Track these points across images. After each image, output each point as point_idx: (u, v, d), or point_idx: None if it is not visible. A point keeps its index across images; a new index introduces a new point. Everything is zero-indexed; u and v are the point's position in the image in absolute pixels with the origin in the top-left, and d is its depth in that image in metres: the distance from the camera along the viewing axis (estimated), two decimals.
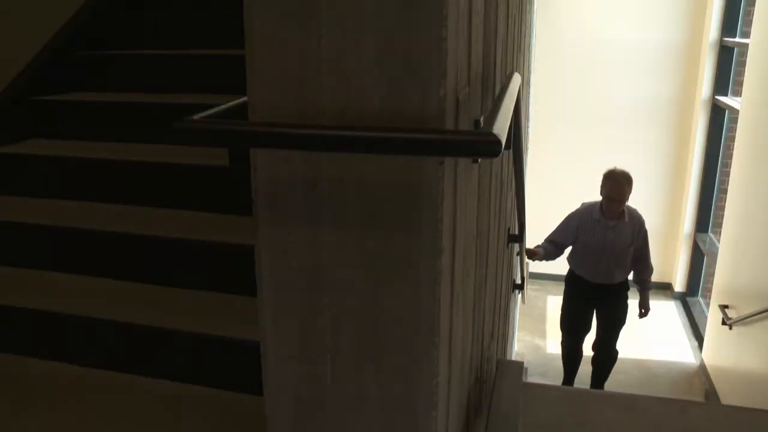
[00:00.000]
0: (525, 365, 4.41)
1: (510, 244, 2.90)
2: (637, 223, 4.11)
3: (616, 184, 3.94)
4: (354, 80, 0.77)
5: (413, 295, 0.82)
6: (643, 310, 4.37)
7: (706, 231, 6.54)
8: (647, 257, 4.25)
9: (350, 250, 0.83)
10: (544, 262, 4.36)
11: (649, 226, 4.22)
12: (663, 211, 6.71)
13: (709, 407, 3.26)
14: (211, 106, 0.85)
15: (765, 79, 4.51)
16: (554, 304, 6.34)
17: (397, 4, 0.74)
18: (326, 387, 0.88)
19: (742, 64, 5.46)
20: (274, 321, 0.88)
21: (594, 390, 4.47)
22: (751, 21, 5.05)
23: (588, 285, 4.25)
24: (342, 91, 0.78)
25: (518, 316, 5.94)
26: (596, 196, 4.11)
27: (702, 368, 5.42)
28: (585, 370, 4.67)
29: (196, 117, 0.80)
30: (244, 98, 0.84)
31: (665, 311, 6.47)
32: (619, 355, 4.54)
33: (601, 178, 4.03)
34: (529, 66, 5.09)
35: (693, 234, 6.63)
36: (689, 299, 6.68)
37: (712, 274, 5.60)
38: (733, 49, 5.98)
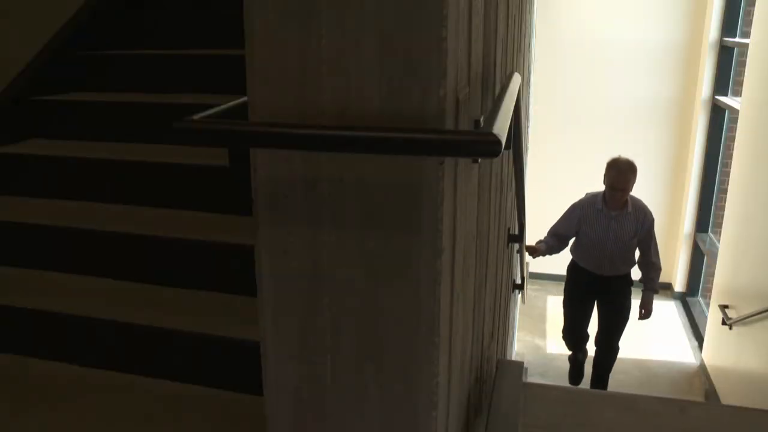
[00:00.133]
0: (525, 365, 4.40)
1: (510, 244, 2.90)
2: (641, 214, 3.98)
3: (620, 173, 3.81)
4: (354, 80, 0.77)
5: (413, 295, 0.82)
6: (643, 311, 4.21)
7: (706, 231, 6.54)
8: (652, 251, 4.08)
9: (350, 250, 0.83)
10: (545, 259, 4.30)
11: None
12: (663, 211, 6.70)
13: (709, 407, 3.26)
14: (211, 106, 0.85)
15: (765, 79, 4.51)
16: (554, 304, 6.34)
17: (397, 4, 0.74)
18: (326, 387, 0.88)
19: (742, 64, 5.46)
20: (274, 321, 0.88)
21: (594, 390, 4.45)
22: (751, 21, 5.05)
23: (589, 275, 4.14)
24: (342, 91, 0.78)
25: (518, 316, 5.94)
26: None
27: (702, 368, 5.42)
28: (586, 370, 4.66)
29: (196, 117, 0.80)
30: (244, 98, 0.84)
31: (665, 311, 6.47)
32: (620, 355, 4.49)
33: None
34: (529, 66, 5.09)
35: (693, 234, 6.63)
36: (689, 299, 6.68)
37: (712, 274, 5.60)
38: (733, 49, 5.98)
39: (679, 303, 6.74)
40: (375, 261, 0.82)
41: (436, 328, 0.83)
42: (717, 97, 6.11)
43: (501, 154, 0.71)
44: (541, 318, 6.38)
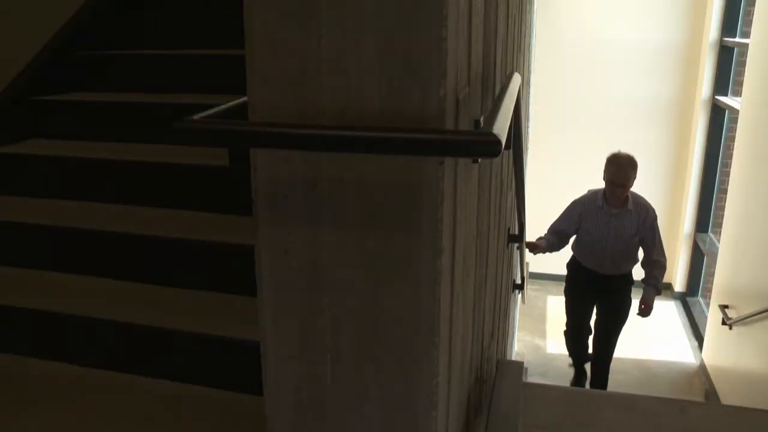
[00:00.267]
0: (525, 365, 4.39)
1: (510, 244, 2.90)
2: (642, 211, 3.87)
3: (620, 168, 3.72)
4: (354, 80, 0.77)
5: (413, 295, 0.82)
6: (643, 306, 3.99)
7: (706, 231, 6.54)
8: (656, 249, 3.94)
9: (350, 250, 0.83)
10: (545, 259, 4.26)
11: None
12: (663, 211, 6.67)
13: (709, 407, 3.26)
14: (211, 106, 0.85)
15: (765, 79, 4.51)
16: (554, 304, 6.34)
17: (397, 4, 0.74)
18: (326, 387, 0.88)
19: (742, 64, 5.46)
20: (274, 321, 0.88)
21: (594, 390, 4.45)
22: (751, 21, 5.05)
23: (590, 273, 4.07)
24: (342, 91, 0.78)
25: (518, 316, 5.94)
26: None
27: (702, 368, 5.42)
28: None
29: (196, 117, 0.80)
30: (244, 98, 0.84)
31: (665, 311, 6.47)
32: (620, 356, 4.46)
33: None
34: (529, 66, 5.09)
35: (693, 234, 6.63)
36: (689, 299, 6.68)
37: (712, 274, 5.60)
38: (733, 49, 5.98)
39: (679, 303, 6.74)
40: (375, 261, 0.82)
41: (436, 328, 0.83)
42: (717, 97, 6.11)
43: (501, 154, 0.71)
44: (541, 318, 6.38)
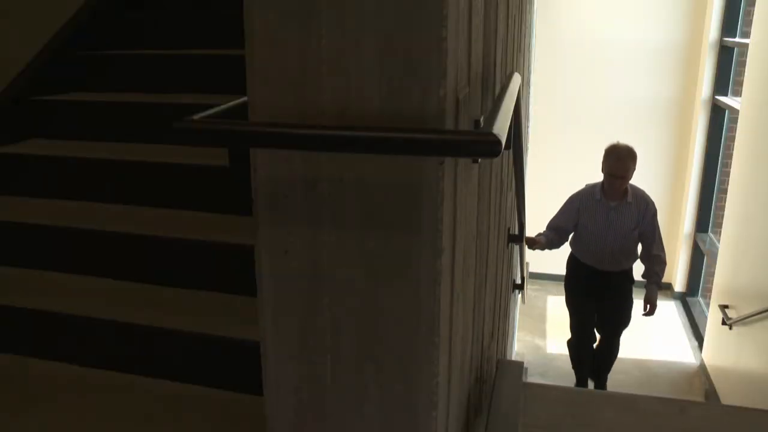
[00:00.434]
0: (525, 365, 4.38)
1: (510, 244, 2.89)
2: (642, 203, 3.79)
3: (619, 159, 3.64)
4: (354, 80, 0.77)
5: (413, 295, 0.82)
6: (649, 306, 3.94)
7: (706, 231, 6.54)
8: (655, 244, 3.85)
9: (350, 250, 0.83)
10: (545, 258, 4.22)
11: None
12: (663, 211, 6.65)
13: (709, 407, 3.26)
14: (211, 106, 0.85)
15: (765, 79, 4.51)
16: (554, 304, 6.34)
17: (397, 4, 0.74)
18: (326, 387, 0.88)
19: (742, 64, 5.46)
20: (274, 321, 0.88)
21: (594, 390, 4.45)
22: (751, 21, 5.05)
23: (589, 269, 3.99)
24: (342, 91, 0.78)
25: (518, 316, 5.94)
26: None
27: (702, 368, 5.42)
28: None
29: (196, 117, 0.80)
30: (244, 98, 0.84)
31: (665, 311, 6.47)
32: (620, 355, 4.44)
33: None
34: (529, 66, 5.09)
35: (693, 234, 6.63)
36: (689, 299, 6.68)
37: (712, 274, 5.60)
38: (733, 49, 5.98)
39: (679, 303, 6.74)
40: (375, 261, 0.82)
41: (436, 328, 0.83)
42: (717, 97, 6.11)
43: (501, 154, 0.71)
44: (541, 318, 6.38)
